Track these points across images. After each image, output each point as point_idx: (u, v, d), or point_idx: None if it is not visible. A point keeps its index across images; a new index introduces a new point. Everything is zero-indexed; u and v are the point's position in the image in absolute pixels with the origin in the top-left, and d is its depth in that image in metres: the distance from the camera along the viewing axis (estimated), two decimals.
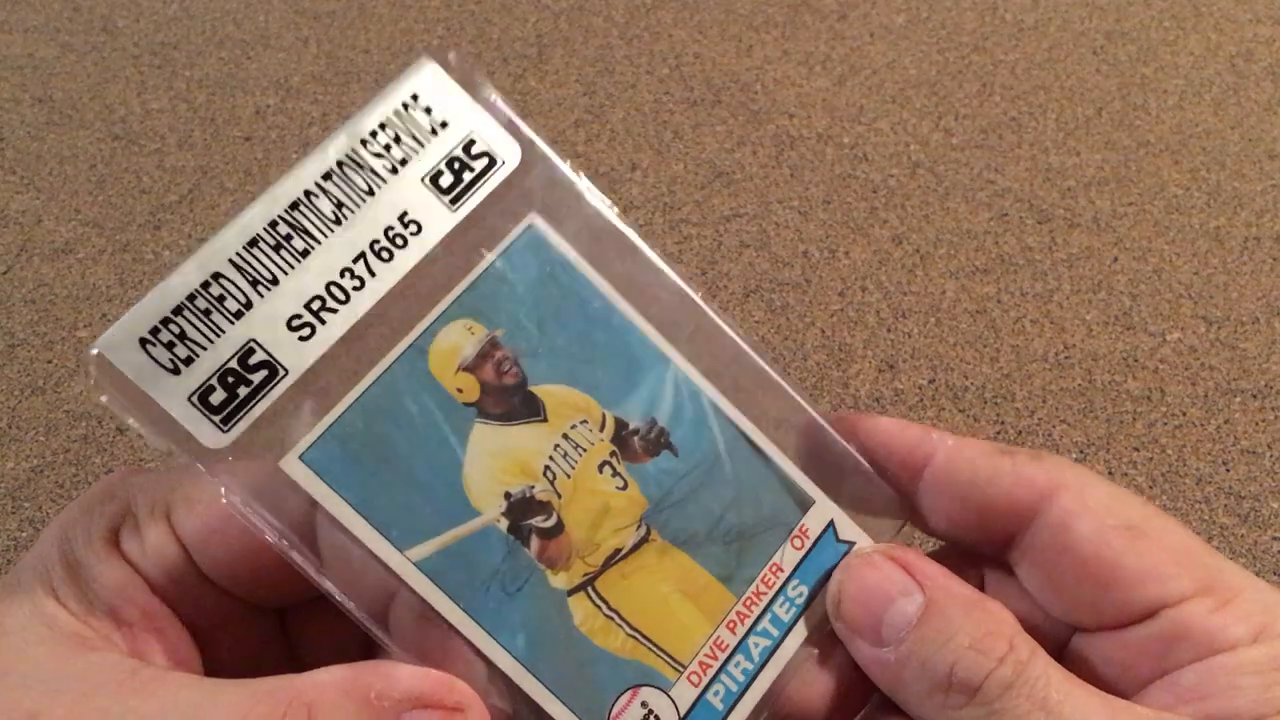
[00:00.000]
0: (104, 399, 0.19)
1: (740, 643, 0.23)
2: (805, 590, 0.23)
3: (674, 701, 0.22)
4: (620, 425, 0.23)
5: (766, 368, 0.24)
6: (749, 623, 0.23)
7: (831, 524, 0.24)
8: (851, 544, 0.23)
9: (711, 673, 0.23)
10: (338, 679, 0.20)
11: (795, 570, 0.23)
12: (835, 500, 0.24)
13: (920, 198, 0.49)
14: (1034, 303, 0.45)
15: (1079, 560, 0.21)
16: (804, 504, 0.24)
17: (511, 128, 0.22)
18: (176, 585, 0.24)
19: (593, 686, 0.22)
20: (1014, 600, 0.22)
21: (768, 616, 0.23)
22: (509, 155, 0.22)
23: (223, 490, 0.20)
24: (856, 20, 0.55)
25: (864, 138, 0.51)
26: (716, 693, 0.23)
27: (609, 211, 0.23)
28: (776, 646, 0.23)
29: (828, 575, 0.23)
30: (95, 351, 0.19)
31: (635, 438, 0.23)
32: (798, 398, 0.24)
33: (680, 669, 0.22)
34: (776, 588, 0.23)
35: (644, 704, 0.22)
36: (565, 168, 0.22)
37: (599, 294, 0.23)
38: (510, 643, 0.22)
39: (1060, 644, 0.23)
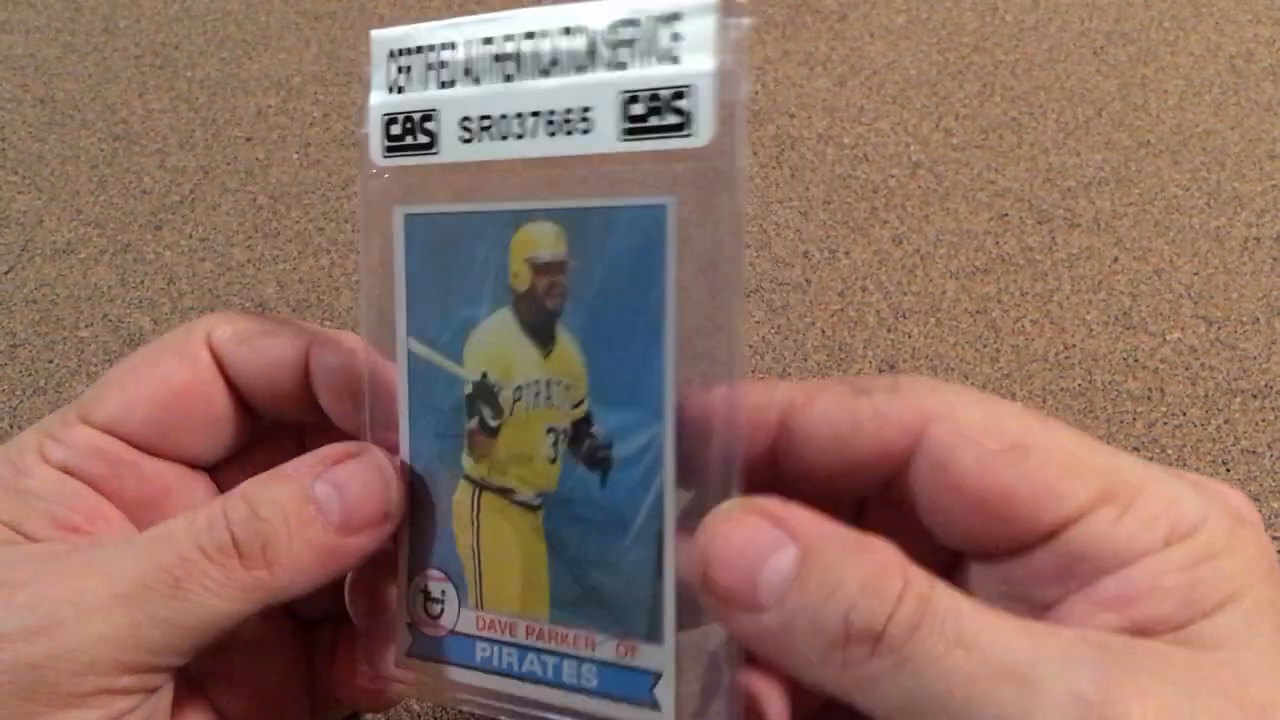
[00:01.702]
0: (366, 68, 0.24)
1: (521, 649, 0.23)
2: (593, 683, 0.22)
3: (458, 617, 0.24)
4: (587, 420, 0.23)
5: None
6: (535, 644, 0.23)
7: (654, 675, 0.22)
8: (656, 709, 0.22)
9: (491, 637, 0.24)
10: (261, 475, 0.23)
11: (596, 662, 0.23)
12: (677, 666, 0.22)
13: (920, 198, 0.49)
14: (1034, 303, 0.45)
15: (966, 494, 0.19)
16: (654, 635, 0.22)
17: (725, 109, 0.21)
18: (114, 468, 0.25)
19: (429, 541, 0.24)
20: (895, 533, 0.20)
21: (553, 660, 0.23)
22: (702, 132, 0.21)
23: (374, 169, 0.24)
24: (856, 20, 0.55)
25: (864, 138, 0.51)
26: (482, 651, 0.24)
27: (736, 242, 0.21)
28: (536, 683, 0.23)
29: (610, 697, 0.22)
30: (372, 34, 0.24)
31: (588, 439, 0.23)
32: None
33: (479, 608, 0.24)
34: (576, 653, 0.23)
35: (443, 592, 0.24)
36: (740, 188, 0.21)
37: (663, 307, 0.22)
38: (412, 449, 0.24)
39: (950, 567, 0.21)
